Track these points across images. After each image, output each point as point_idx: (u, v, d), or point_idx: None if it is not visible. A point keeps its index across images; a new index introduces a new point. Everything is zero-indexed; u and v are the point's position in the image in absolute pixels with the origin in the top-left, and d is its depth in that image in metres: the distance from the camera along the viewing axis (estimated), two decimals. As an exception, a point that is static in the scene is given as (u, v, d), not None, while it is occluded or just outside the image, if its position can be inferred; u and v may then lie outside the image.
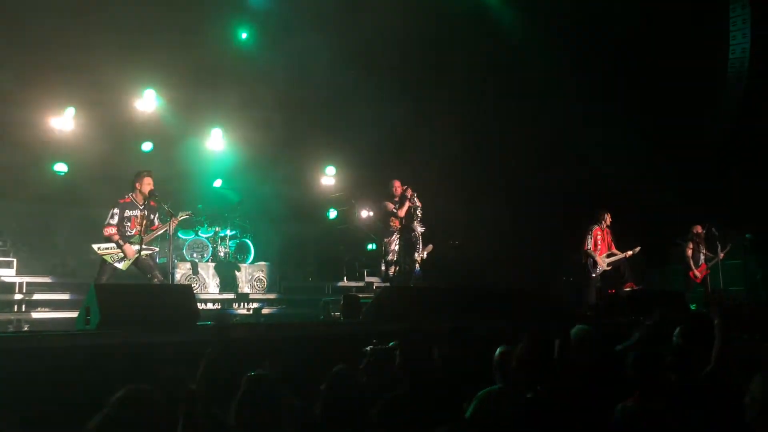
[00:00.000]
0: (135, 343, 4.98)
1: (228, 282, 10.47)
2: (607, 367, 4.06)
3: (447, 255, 11.17)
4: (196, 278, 10.11)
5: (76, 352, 4.77)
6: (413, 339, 4.10)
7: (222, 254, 10.83)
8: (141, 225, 7.78)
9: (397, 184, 9.71)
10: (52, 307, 8.77)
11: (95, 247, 7.61)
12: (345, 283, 11.72)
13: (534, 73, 12.68)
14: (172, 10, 10.77)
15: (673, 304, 8.27)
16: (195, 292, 8.45)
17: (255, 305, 10.38)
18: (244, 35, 12.88)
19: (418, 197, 9.64)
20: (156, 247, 8.36)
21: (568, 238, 10.93)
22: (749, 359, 3.64)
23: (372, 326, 6.38)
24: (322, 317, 9.68)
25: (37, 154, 10.47)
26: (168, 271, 8.17)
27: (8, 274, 8.87)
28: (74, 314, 6.39)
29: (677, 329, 4.55)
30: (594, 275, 10.06)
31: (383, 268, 9.94)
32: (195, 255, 10.50)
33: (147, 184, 7.88)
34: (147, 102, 11.52)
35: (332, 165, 13.61)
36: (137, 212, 7.84)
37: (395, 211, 9.57)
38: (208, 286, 10.25)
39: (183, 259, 10.25)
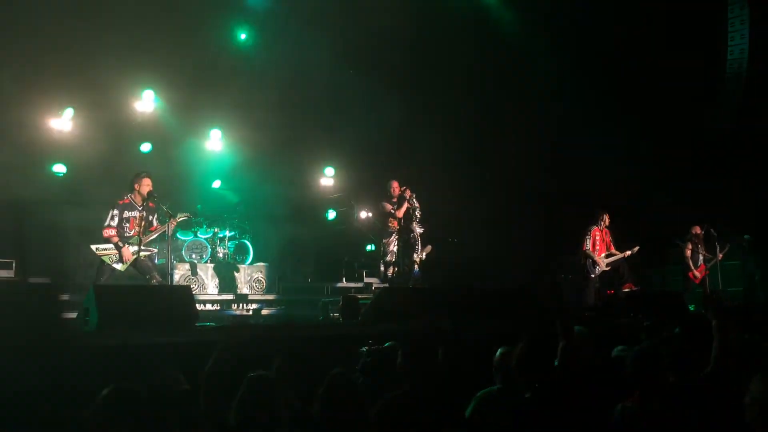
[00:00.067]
0: (134, 344, 4.98)
1: (227, 283, 10.47)
2: (606, 367, 4.07)
3: (446, 255, 11.17)
4: (195, 279, 10.11)
5: (74, 353, 4.76)
6: (418, 339, 4.10)
7: (221, 255, 10.82)
8: (140, 226, 7.78)
9: (395, 184, 9.71)
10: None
11: (94, 247, 7.61)
12: (344, 283, 11.71)
13: (533, 73, 12.69)
14: (171, 11, 10.77)
15: (672, 304, 8.28)
16: (194, 293, 8.47)
17: (254, 306, 10.38)
18: (243, 36, 12.88)
19: (416, 198, 9.63)
20: (155, 248, 8.35)
21: (567, 239, 10.93)
22: (749, 359, 3.64)
23: (371, 327, 6.38)
24: (321, 318, 9.68)
25: (35, 155, 10.46)
26: (167, 272, 8.16)
27: (7, 275, 8.85)
28: (73, 315, 6.39)
29: (676, 329, 4.56)
30: (593, 276, 10.06)
31: (382, 268, 9.94)
32: (194, 256, 10.50)
33: (146, 185, 7.88)
34: (146, 103, 11.51)
35: (331, 166, 13.59)
36: (136, 213, 7.84)
37: (393, 211, 9.56)
38: (207, 287, 10.25)
39: (182, 260, 10.25)
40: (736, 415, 2.62)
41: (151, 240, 8.01)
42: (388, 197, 9.69)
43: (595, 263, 10.03)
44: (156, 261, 8.60)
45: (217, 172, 12.44)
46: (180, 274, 9.95)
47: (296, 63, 12.12)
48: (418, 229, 9.58)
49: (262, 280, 10.86)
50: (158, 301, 6.36)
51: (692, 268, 10.69)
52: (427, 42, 12.49)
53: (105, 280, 7.56)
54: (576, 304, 10.06)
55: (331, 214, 13.47)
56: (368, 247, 12.76)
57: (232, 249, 11.09)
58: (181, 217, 8.10)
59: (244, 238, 11.39)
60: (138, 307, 5.94)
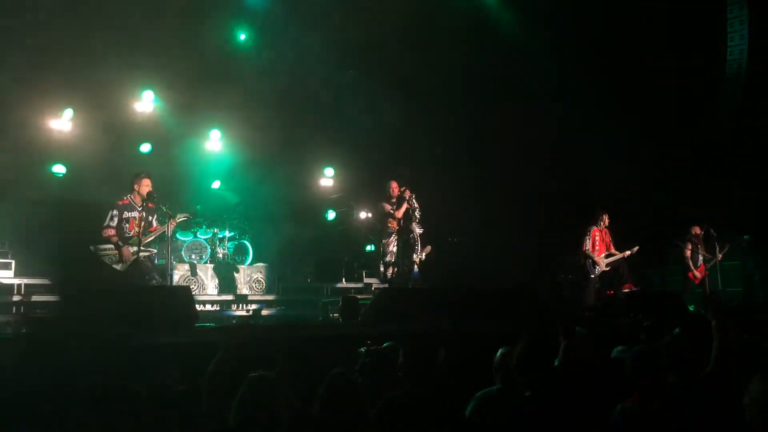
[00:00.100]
0: (133, 345, 4.98)
1: (227, 283, 10.47)
2: (606, 367, 4.06)
3: (446, 256, 11.17)
4: (195, 279, 10.10)
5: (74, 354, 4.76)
6: (419, 339, 4.10)
7: (220, 255, 10.82)
8: (139, 226, 7.78)
9: (394, 185, 9.70)
10: (50, 309, 8.74)
11: (93, 248, 7.60)
12: (343, 284, 11.71)
13: (533, 73, 12.68)
14: (170, 11, 10.77)
15: (672, 304, 8.28)
16: (193, 293, 8.47)
17: (254, 307, 10.37)
18: (242, 37, 12.87)
19: (416, 198, 9.62)
20: (154, 248, 8.35)
21: (567, 239, 10.92)
22: (749, 359, 3.64)
23: (371, 327, 6.38)
24: (320, 318, 9.67)
25: (35, 156, 10.46)
26: (166, 272, 8.16)
27: (6, 276, 8.86)
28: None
29: (676, 330, 4.56)
30: (593, 276, 10.06)
31: (382, 269, 9.93)
32: (193, 256, 10.49)
33: (145, 186, 7.88)
34: (145, 103, 11.51)
35: (331, 166, 13.59)
36: (135, 214, 7.84)
37: (392, 212, 9.56)
38: (207, 288, 10.24)
39: (181, 261, 10.25)
40: (735, 416, 2.62)
41: (151, 240, 8.01)
42: (387, 197, 9.69)
43: (594, 263, 10.02)
44: (156, 261, 8.60)
45: (216, 172, 12.43)
46: (180, 274, 9.95)
47: (296, 63, 12.13)
48: (418, 230, 9.57)
49: (262, 280, 10.85)
50: (158, 301, 6.36)
51: (692, 268, 10.70)
52: (426, 42, 12.48)
53: (104, 281, 7.55)
54: (576, 304, 10.06)
55: (331, 215, 13.46)
56: (368, 248, 12.76)
57: (231, 249, 11.08)
58: (180, 218, 8.10)
59: (244, 239, 11.38)
60: (137, 308, 5.94)
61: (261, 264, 11.09)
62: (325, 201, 13.53)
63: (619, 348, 4.31)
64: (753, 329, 4.58)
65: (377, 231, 10.05)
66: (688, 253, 10.71)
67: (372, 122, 12.14)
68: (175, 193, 10.14)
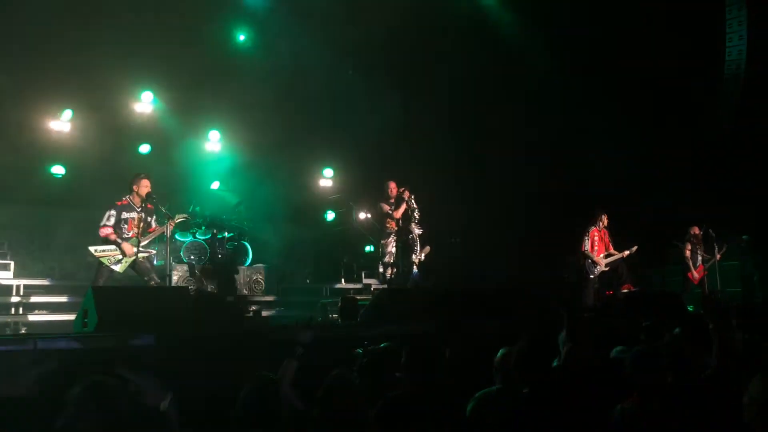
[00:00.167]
0: (132, 346, 4.97)
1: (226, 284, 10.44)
2: (605, 368, 4.06)
3: (445, 256, 11.17)
4: (194, 281, 10.08)
5: (73, 354, 4.76)
6: (421, 339, 4.10)
7: (220, 256, 10.80)
8: (138, 227, 7.78)
9: (392, 185, 9.70)
10: (49, 310, 8.75)
11: (92, 249, 7.60)
12: (343, 285, 11.70)
13: (532, 73, 12.68)
14: (169, 12, 10.77)
15: (670, 305, 8.27)
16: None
17: (253, 307, 10.35)
18: (241, 37, 12.87)
19: (415, 199, 9.61)
20: (153, 249, 8.34)
21: (566, 239, 10.92)
22: (749, 359, 3.64)
23: (369, 328, 6.38)
24: (320, 319, 9.67)
25: (34, 157, 10.46)
26: (165, 273, 8.15)
27: (6, 277, 8.85)
28: (72, 317, 6.38)
29: (675, 330, 4.57)
30: (592, 276, 10.06)
31: (381, 270, 9.93)
32: (193, 257, 10.48)
33: (144, 187, 7.88)
34: (144, 104, 11.51)
35: (330, 167, 13.60)
36: (134, 214, 7.83)
37: (390, 212, 9.55)
38: (206, 289, 10.21)
39: (180, 262, 10.23)
40: (735, 416, 2.62)
41: (150, 241, 8.00)
42: (386, 198, 9.68)
43: (593, 264, 10.02)
44: (155, 262, 8.60)
45: (215, 173, 12.43)
46: (179, 275, 9.93)
47: (295, 64, 12.12)
48: (417, 230, 9.57)
49: (261, 281, 10.83)
50: (157, 302, 6.35)
51: (691, 268, 10.70)
52: (426, 43, 12.49)
53: (103, 281, 7.55)
54: (576, 304, 10.05)
55: (330, 216, 13.47)
56: (367, 248, 12.76)
57: (231, 250, 11.07)
58: (179, 218, 8.09)
59: (243, 240, 11.37)
60: (137, 309, 5.93)
61: (260, 265, 11.07)
62: (325, 202, 13.53)
63: (619, 348, 4.31)
64: (753, 329, 4.58)
65: (376, 231, 10.05)
66: (688, 253, 10.71)
67: (371, 123, 12.13)
68: (174, 194, 10.13)
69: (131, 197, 7.89)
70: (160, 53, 10.93)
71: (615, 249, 10.22)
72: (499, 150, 13.03)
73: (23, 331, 8.07)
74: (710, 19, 12.58)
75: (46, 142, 10.60)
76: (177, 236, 10.35)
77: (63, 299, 8.87)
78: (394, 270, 9.62)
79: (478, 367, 3.95)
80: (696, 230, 10.72)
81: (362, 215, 12.04)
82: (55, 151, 10.68)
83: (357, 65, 12.63)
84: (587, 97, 12.04)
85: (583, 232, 10.15)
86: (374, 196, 10.10)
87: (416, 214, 9.55)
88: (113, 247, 7.62)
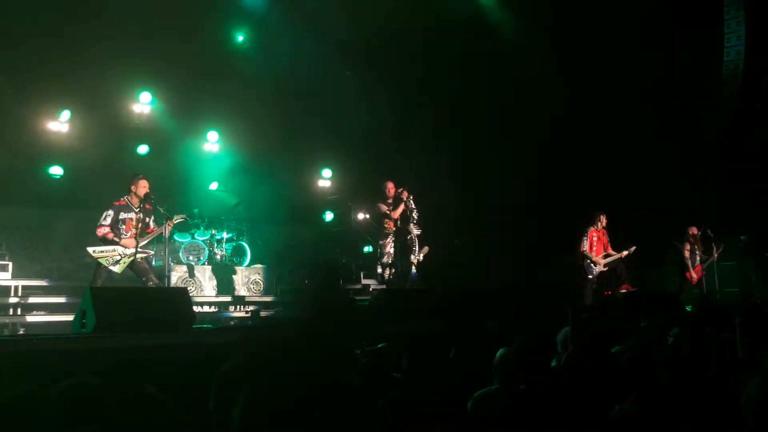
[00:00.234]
0: (131, 347, 4.97)
1: (224, 285, 10.45)
2: (603, 368, 4.06)
3: (444, 257, 11.16)
4: (193, 281, 10.08)
5: (71, 355, 4.76)
6: (422, 339, 4.11)
7: (218, 257, 10.80)
8: (136, 228, 7.77)
9: (390, 185, 9.69)
10: (47, 311, 8.73)
11: (90, 250, 7.59)
12: (342, 285, 11.70)
13: (531, 73, 12.68)
14: (168, 12, 10.75)
15: (669, 305, 8.29)
16: (191, 295, 8.46)
17: (252, 308, 10.36)
18: (240, 38, 12.86)
19: (414, 199, 9.61)
20: (152, 250, 8.34)
21: (565, 239, 10.92)
22: (749, 360, 3.64)
23: (368, 329, 6.38)
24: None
25: (32, 157, 10.44)
26: (164, 274, 8.15)
27: (4, 277, 8.83)
28: (70, 317, 6.38)
29: (673, 330, 4.57)
30: (590, 277, 10.08)
31: (379, 270, 9.93)
32: (191, 258, 10.48)
33: (142, 187, 7.87)
34: (143, 104, 11.50)
35: (329, 167, 13.60)
36: (132, 215, 7.83)
37: (388, 212, 9.55)
38: (205, 289, 10.22)
39: (179, 262, 10.23)
40: (734, 416, 2.62)
41: (148, 242, 8.00)
42: (384, 198, 9.68)
43: (592, 264, 10.04)
44: (153, 263, 8.59)
45: (214, 173, 12.43)
46: (177, 276, 9.92)
47: (293, 65, 12.12)
48: (416, 231, 9.56)
49: (260, 281, 10.84)
50: (155, 303, 6.35)
51: (690, 268, 10.71)
52: (424, 44, 12.49)
53: (102, 282, 7.54)
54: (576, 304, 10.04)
55: (329, 216, 13.47)
56: (366, 249, 12.76)
57: (229, 251, 11.07)
58: (177, 219, 8.09)
59: (242, 240, 11.37)
60: (135, 310, 5.93)
61: (259, 265, 11.07)
62: (323, 202, 13.54)
63: (617, 348, 4.31)
64: (754, 330, 4.58)
65: (375, 232, 10.05)
66: (687, 253, 10.72)
67: (370, 123, 12.13)
68: (172, 195, 10.13)
69: (129, 198, 7.88)
70: (159, 53, 10.92)
71: (614, 249, 10.23)
72: (498, 150, 13.04)
73: (21, 332, 8.07)
74: (709, 20, 12.58)
75: (45, 142, 10.58)
76: (175, 236, 10.36)
77: (61, 300, 8.86)
78: (393, 270, 9.61)
79: (477, 367, 3.95)
80: (694, 230, 10.74)
81: (361, 216, 12.05)
82: (54, 151, 10.67)
83: (355, 65, 12.62)
84: (586, 97, 12.04)
85: (581, 232, 10.16)
86: (373, 196, 10.09)
87: (415, 215, 9.55)
88: (111, 247, 7.62)
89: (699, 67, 12.62)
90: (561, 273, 11.35)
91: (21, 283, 8.85)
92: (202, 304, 9.89)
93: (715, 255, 10.61)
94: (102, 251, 7.58)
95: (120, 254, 7.63)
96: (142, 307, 6.02)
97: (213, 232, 10.88)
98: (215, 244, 10.82)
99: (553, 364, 4.25)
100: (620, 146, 12.03)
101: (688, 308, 8.92)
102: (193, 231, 10.73)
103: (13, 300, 8.63)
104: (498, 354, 3.85)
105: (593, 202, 10.73)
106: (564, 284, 11.26)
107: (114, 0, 10.34)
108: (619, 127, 12.16)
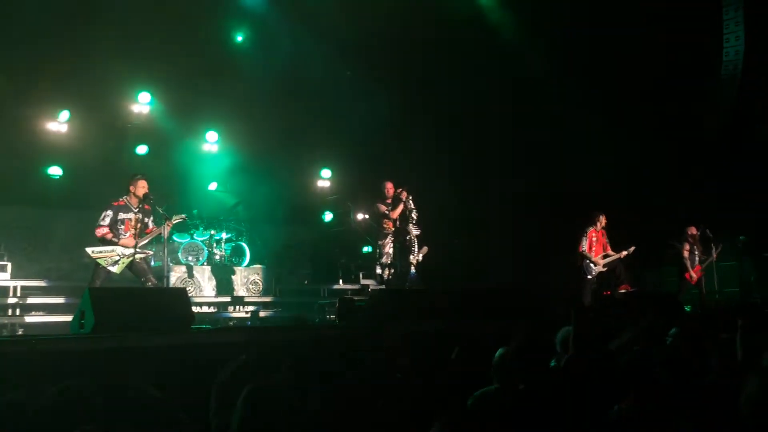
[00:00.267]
0: (129, 347, 4.97)
1: (223, 285, 10.44)
2: (602, 368, 4.06)
3: (443, 257, 11.16)
4: (192, 281, 10.08)
5: (70, 356, 4.75)
6: (423, 339, 4.11)
7: (217, 257, 10.80)
8: (135, 228, 7.77)
9: (389, 185, 9.68)
10: (46, 311, 8.73)
11: (89, 250, 7.58)
12: (340, 285, 11.71)
13: (530, 73, 12.69)
14: (167, 12, 10.75)
15: (667, 305, 8.29)
16: (190, 295, 8.45)
17: (251, 308, 10.36)
18: (239, 38, 12.86)
19: (413, 199, 9.60)
20: (151, 250, 8.33)
21: (563, 239, 10.93)
22: (749, 360, 3.64)
23: (367, 329, 6.38)
24: (317, 320, 9.67)
25: (31, 158, 10.45)
26: (163, 274, 8.14)
27: (3, 278, 8.83)
28: (69, 318, 6.38)
29: (672, 330, 4.57)
30: (589, 277, 10.08)
31: (378, 270, 9.91)
32: (190, 258, 10.47)
33: (141, 188, 7.86)
34: (142, 105, 11.50)
35: (328, 167, 13.61)
36: (131, 215, 7.82)
37: (387, 212, 9.53)
38: (204, 290, 10.22)
39: (178, 263, 10.22)
40: (733, 415, 2.62)
41: (147, 242, 7.99)
42: (383, 198, 9.67)
43: (591, 264, 10.04)
44: (152, 263, 8.58)
45: (213, 174, 12.43)
46: (176, 276, 9.92)
47: (293, 64, 12.12)
48: (415, 231, 9.55)
49: (259, 282, 10.83)
50: (154, 303, 6.35)
51: (689, 268, 10.71)
52: (423, 44, 12.49)
53: (100, 282, 7.53)
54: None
55: (328, 216, 13.47)
56: (365, 249, 12.77)
57: (228, 251, 11.07)
58: (176, 219, 8.08)
59: (241, 240, 11.37)
60: (134, 310, 5.92)
61: (258, 266, 11.07)
62: (323, 202, 13.54)
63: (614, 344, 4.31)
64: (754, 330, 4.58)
65: (374, 232, 10.04)
66: (686, 253, 10.72)
67: (369, 123, 12.14)
68: (171, 195, 10.12)
69: (128, 198, 7.87)
70: (158, 53, 10.92)
71: (612, 250, 10.24)
72: (497, 150, 13.05)
73: (20, 333, 8.07)
74: (707, 20, 12.59)
75: (44, 143, 10.59)
76: (174, 237, 10.36)
77: (60, 300, 8.86)
78: (392, 271, 9.60)
79: (477, 367, 3.95)
80: (693, 230, 10.74)
81: (360, 216, 12.06)
82: (53, 152, 10.67)
83: (355, 65, 12.62)
84: (585, 98, 12.05)
85: (580, 232, 10.16)
86: (372, 196, 10.09)
87: (414, 215, 9.53)
88: (110, 248, 7.61)
89: (699, 67, 12.63)
90: (561, 273, 11.37)
91: (20, 283, 8.86)
92: (201, 304, 9.88)
93: (714, 255, 10.61)
94: (101, 251, 7.57)
95: (119, 255, 7.62)
96: (140, 308, 6.02)
97: (212, 232, 10.87)
98: (214, 245, 10.82)
99: (552, 363, 4.25)
100: (620, 146, 12.03)
101: (687, 308, 8.94)
102: (192, 231, 10.72)
103: (11, 300, 8.63)
104: (497, 354, 3.85)
105: (593, 202, 10.73)
106: (563, 284, 11.29)
107: (113, 0, 10.33)
108: (619, 127, 12.16)
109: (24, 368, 4.48)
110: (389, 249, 9.55)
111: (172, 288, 8.75)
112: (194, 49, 11.49)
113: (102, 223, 7.64)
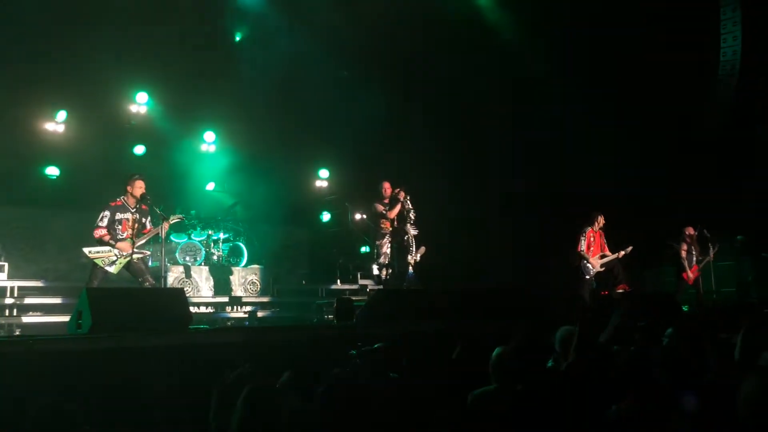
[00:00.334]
0: (127, 347, 4.97)
1: (221, 285, 10.44)
2: (600, 368, 4.07)
3: (441, 257, 11.16)
4: (189, 281, 10.07)
5: (67, 356, 4.75)
6: (423, 339, 4.11)
7: (215, 257, 10.79)
8: (132, 228, 7.75)
9: (386, 185, 9.67)
10: (43, 312, 8.72)
11: (86, 250, 7.56)
12: (338, 285, 11.71)
13: (528, 73, 12.70)
14: (165, 12, 10.74)
15: (666, 305, 8.30)
16: (188, 295, 8.44)
17: (248, 308, 10.35)
18: (237, 38, 12.85)
19: (411, 200, 9.59)
20: (148, 250, 8.32)
21: (563, 240, 10.94)
22: (747, 360, 3.65)
23: (365, 329, 6.38)
24: (315, 320, 9.67)
25: (28, 158, 10.43)
26: (160, 274, 8.13)
27: (0, 279, 8.82)
28: (66, 318, 6.36)
29: (669, 330, 4.57)
30: (587, 277, 10.08)
31: (376, 271, 9.91)
32: (188, 258, 10.47)
33: (138, 188, 7.85)
34: (140, 105, 11.49)
35: (326, 167, 13.60)
36: (129, 215, 7.81)
37: (384, 212, 9.52)
38: (201, 290, 10.21)
39: (176, 263, 10.21)
40: (731, 415, 2.63)
41: (145, 243, 7.98)
42: (380, 198, 9.66)
43: (588, 264, 10.05)
44: (149, 264, 8.57)
45: (211, 174, 12.42)
46: (174, 276, 9.91)
47: (291, 65, 12.11)
48: (413, 231, 9.54)
49: (257, 282, 10.83)
50: (152, 304, 6.34)
51: (686, 268, 10.73)
52: (422, 43, 12.49)
53: (98, 282, 7.51)
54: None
55: (326, 216, 13.47)
56: (363, 249, 12.76)
57: (226, 251, 11.05)
58: (174, 219, 8.07)
59: (239, 241, 11.36)
60: (131, 310, 5.92)
61: (256, 266, 11.06)
62: (320, 202, 13.53)
63: (614, 348, 4.32)
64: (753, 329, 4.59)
65: (372, 232, 10.04)
66: (684, 253, 10.74)
67: (367, 123, 12.13)
68: (169, 195, 10.11)
69: (125, 198, 7.86)
70: (156, 53, 10.90)
71: (610, 250, 10.25)
72: (496, 150, 13.05)
73: (17, 333, 8.05)
74: (705, 20, 12.61)
75: (41, 143, 10.56)
76: (172, 237, 10.35)
77: (57, 301, 8.85)
78: (390, 271, 9.60)
79: (475, 367, 3.96)
80: (691, 230, 10.75)
81: (358, 216, 12.05)
82: (50, 152, 10.65)
83: (352, 65, 12.62)
84: (585, 98, 12.06)
85: (579, 232, 10.17)
86: (370, 196, 10.08)
87: (412, 215, 9.52)
88: (107, 248, 7.59)
89: (698, 67, 12.65)
90: (560, 273, 11.38)
91: (17, 284, 8.85)
92: (198, 304, 9.87)
93: (711, 255, 10.63)
94: (98, 252, 7.55)
95: (116, 255, 7.61)
96: (138, 308, 6.01)
97: (210, 232, 10.86)
98: (212, 245, 10.81)
99: (550, 363, 4.25)
100: (620, 146, 12.04)
101: (685, 308, 8.95)
102: (189, 231, 10.71)
103: (9, 301, 8.62)
104: (494, 353, 3.85)
105: (593, 202, 10.74)
106: (563, 284, 11.30)
107: (110, 0, 10.32)
108: (618, 127, 12.17)
109: (21, 368, 4.47)
110: (387, 249, 9.54)
111: (169, 288, 8.73)
112: (192, 50, 11.47)
113: (100, 224, 7.63)
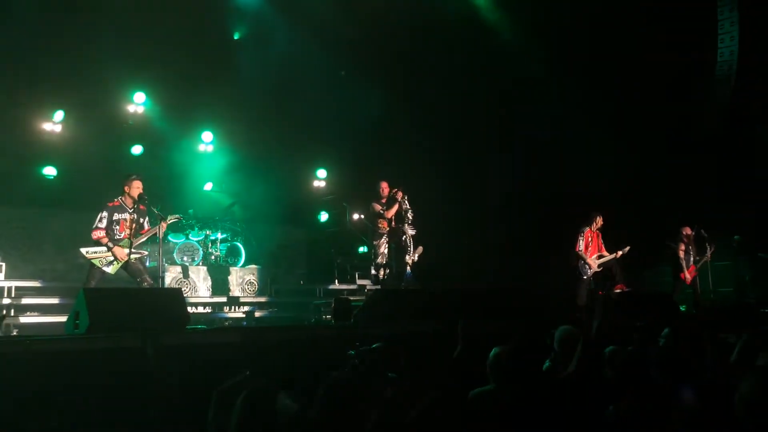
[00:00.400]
0: (124, 348, 4.96)
1: (219, 285, 10.43)
2: (598, 368, 4.07)
3: (439, 257, 11.16)
4: (187, 282, 10.05)
5: (65, 356, 4.74)
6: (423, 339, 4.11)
7: (213, 257, 10.78)
8: (130, 228, 7.74)
9: (384, 185, 9.67)
10: (41, 312, 8.70)
11: (84, 250, 7.56)
12: (336, 285, 11.70)
13: (527, 73, 12.70)
14: (163, 12, 10.72)
15: (663, 305, 8.31)
16: (185, 295, 8.43)
17: (246, 309, 10.34)
18: (235, 38, 12.84)
19: (409, 200, 9.58)
20: (146, 250, 8.31)
21: (563, 240, 10.94)
22: (744, 360, 3.66)
23: (363, 329, 6.38)
24: (313, 320, 9.65)
25: (26, 158, 10.41)
26: (158, 274, 8.12)
27: (-3, 279, 8.81)
28: (63, 319, 6.35)
29: (665, 331, 4.58)
30: (585, 277, 10.09)
31: (374, 271, 9.91)
32: (185, 258, 10.45)
33: (136, 188, 7.84)
34: (137, 105, 11.47)
35: (324, 167, 13.59)
36: (126, 216, 7.80)
37: (382, 212, 9.52)
38: (199, 290, 10.20)
39: (173, 263, 10.20)
40: (729, 414, 2.63)
41: (142, 243, 7.97)
42: (377, 198, 9.66)
43: (586, 264, 10.06)
44: (147, 264, 8.56)
45: (209, 174, 12.41)
46: (171, 276, 9.90)
47: (289, 65, 12.10)
48: (411, 231, 9.54)
49: (255, 282, 10.81)
50: (149, 304, 6.33)
51: (684, 269, 10.74)
52: (420, 43, 12.49)
53: (95, 283, 7.51)
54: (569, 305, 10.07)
55: (324, 216, 13.46)
56: (361, 249, 12.76)
57: (224, 251, 11.05)
58: (171, 219, 8.06)
59: (236, 241, 11.35)
60: (129, 311, 5.90)
61: (253, 266, 11.05)
62: (318, 202, 13.53)
63: (611, 348, 4.32)
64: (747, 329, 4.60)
65: (370, 232, 10.03)
66: (681, 253, 10.75)
67: (365, 123, 12.13)
68: (166, 195, 10.10)
69: (123, 198, 7.85)
70: (153, 53, 10.88)
71: (607, 250, 10.26)
72: (495, 150, 13.05)
73: (14, 333, 8.03)
74: (703, 20, 12.63)
75: (38, 143, 10.55)
76: (170, 237, 10.34)
77: (54, 301, 8.83)
78: (387, 271, 9.60)
79: (474, 367, 3.96)
80: (688, 230, 10.77)
81: (356, 216, 12.05)
82: (47, 152, 10.64)
83: (350, 65, 12.61)
84: (581, 97, 12.07)
85: (576, 232, 10.18)
86: (368, 196, 10.08)
87: (410, 215, 9.52)
88: (105, 248, 7.59)
89: (697, 67, 12.66)
90: (559, 273, 11.38)
91: (14, 284, 8.83)
92: (196, 304, 9.86)
93: (709, 255, 10.64)
94: (95, 252, 7.55)
95: (114, 258, 7.61)
96: (136, 308, 6.00)
97: (207, 232, 10.85)
98: (210, 245, 10.79)
99: (547, 364, 4.25)
100: (619, 146, 12.05)
101: (683, 308, 8.95)
102: (187, 231, 10.70)
103: (6, 301, 8.60)
104: (491, 354, 3.85)
105: (592, 202, 10.74)
106: (562, 284, 11.30)
107: (108, 0, 10.30)
108: (618, 127, 12.18)
109: (19, 368, 4.47)
110: (384, 249, 9.54)
111: (167, 288, 8.72)
112: (189, 49, 11.45)
113: (99, 225, 7.62)
